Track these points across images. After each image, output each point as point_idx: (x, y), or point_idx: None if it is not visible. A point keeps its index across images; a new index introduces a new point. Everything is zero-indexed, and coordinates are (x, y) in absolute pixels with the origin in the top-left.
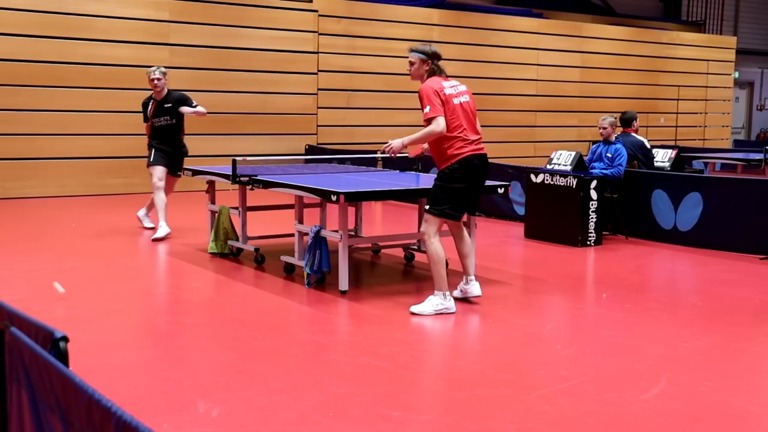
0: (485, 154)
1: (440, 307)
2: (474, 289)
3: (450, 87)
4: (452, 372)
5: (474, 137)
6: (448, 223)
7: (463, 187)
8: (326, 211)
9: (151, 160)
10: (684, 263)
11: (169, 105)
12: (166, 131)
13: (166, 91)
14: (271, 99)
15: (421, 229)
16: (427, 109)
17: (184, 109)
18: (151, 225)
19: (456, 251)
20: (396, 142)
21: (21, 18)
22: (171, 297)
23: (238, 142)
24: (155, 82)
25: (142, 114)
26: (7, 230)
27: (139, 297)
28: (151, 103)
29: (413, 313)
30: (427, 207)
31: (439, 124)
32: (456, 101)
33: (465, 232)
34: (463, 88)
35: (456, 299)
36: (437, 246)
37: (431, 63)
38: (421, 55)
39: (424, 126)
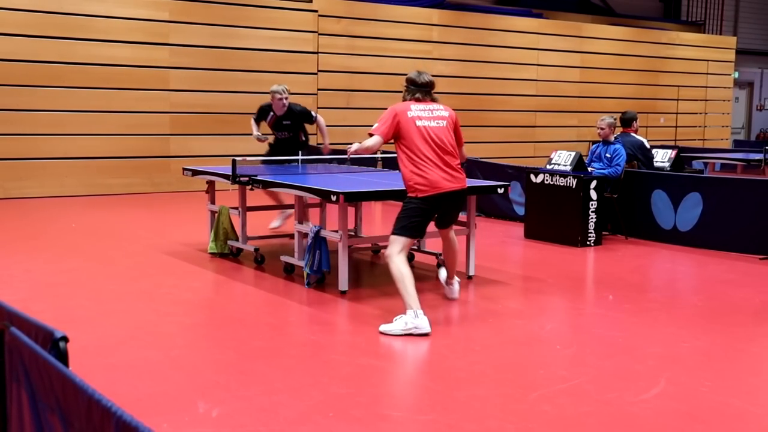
0: (453, 190)
1: (410, 326)
2: (450, 291)
3: (420, 110)
4: (452, 372)
5: (435, 169)
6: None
7: (423, 219)
8: (326, 211)
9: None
10: (684, 263)
11: (287, 123)
12: (283, 146)
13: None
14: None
15: (386, 250)
16: (374, 126)
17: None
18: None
19: (443, 255)
20: (353, 146)
21: (20, 18)
22: (171, 297)
23: (238, 142)
24: (283, 101)
25: (255, 114)
26: (7, 230)
27: (139, 297)
28: (270, 115)
29: (382, 333)
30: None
31: (371, 142)
32: (420, 123)
33: (450, 235)
34: (442, 113)
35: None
36: (399, 265)
37: (406, 87)
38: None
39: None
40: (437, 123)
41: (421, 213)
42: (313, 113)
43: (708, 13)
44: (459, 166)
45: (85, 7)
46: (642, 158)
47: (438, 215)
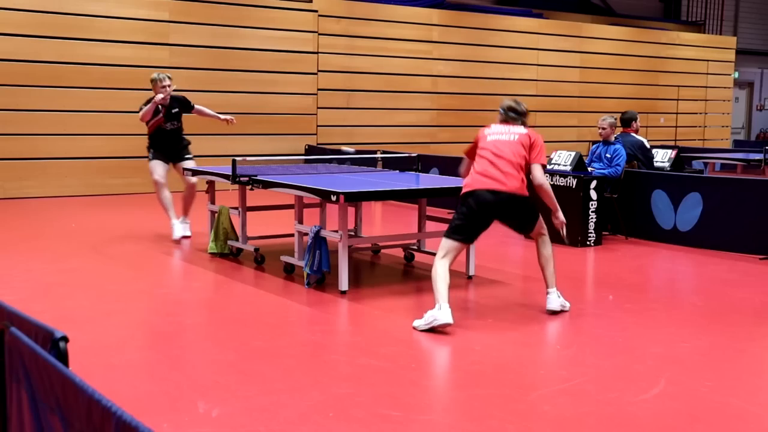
0: (493, 190)
1: (430, 319)
2: (548, 302)
3: (498, 129)
4: (452, 372)
5: (479, 172)
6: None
7: (464, 222)
8: (326, 211)
9: (151, 157)
10: (684, 263)
11: (176, 110)
12: (170, 137)
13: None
14: (270, 99)
15: None
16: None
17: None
18: (184, 234)
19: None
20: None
21: (20, 18)
22: (171, 297)
23: (238, 142)
24: (168, 89)
25: (148, 108)
26: (7, 230)
27: (139, 297)
28: (161, 110)
29: (414, 328)
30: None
31: (463, 164)
32: (490, 138)
33: (542, 243)
34: (513, 130)
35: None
36: (435, 267)
37: (499, 114)
38: None
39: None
40: (506, 137)
41: (462, 215)
42: (189, 101)
43: (708, 13)
44: (511, 173)
45: (85, 7)
46: (642, 158)
47: (502, 221)
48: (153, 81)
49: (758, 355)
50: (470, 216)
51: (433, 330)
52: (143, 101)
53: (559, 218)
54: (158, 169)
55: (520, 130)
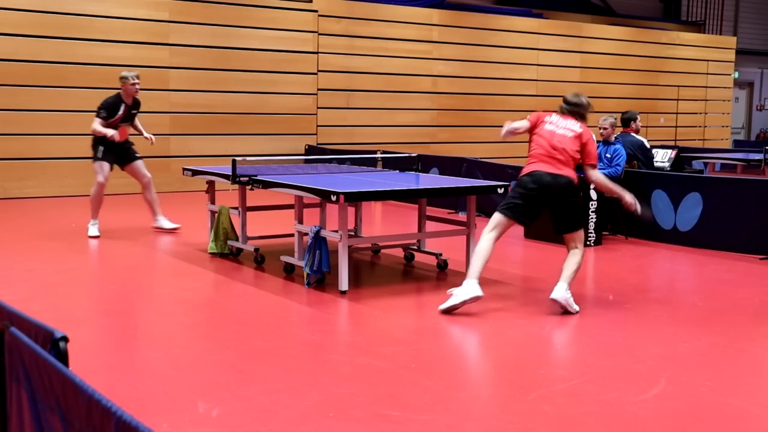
0: (552, 174)
1: (458, 298)
2: (555, 290)
3: (556, 120)
4: (452, 372)
5: (540, 158)
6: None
7: (519, 200)
8: (326, 211)
9: (100, 156)
10: (684, 263)
11: (135, 111)
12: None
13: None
14: (271, 99)
15: None
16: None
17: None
18: (172, 225)
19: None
20: (508, 125)
21: (20, 18)
22: (171, 297)
23: (238, 142)
24: (137, 86)
25: (103, 111)
26: (7, 230)
27: (139, 297)
28: (123, 107)
29: (442, 311)
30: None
31: (521, 123)
32: (548, 127)
33: (573, 254)
34: (569, 126)
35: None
36: (480, 239)
37: (562, 105)
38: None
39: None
40: (563, 131)
41: (518, 194)
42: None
43: (708, 13)
44: (567, 164)
45: (85, 7)
46: (642, 158)
47: (551, 210)
48: (122, 79)
49: (758, 355)
50: (526, 195)
51: (451, 312)
52: (143, 101)
53: (628, 200)
54: (106, 169)
55: (576, 127)
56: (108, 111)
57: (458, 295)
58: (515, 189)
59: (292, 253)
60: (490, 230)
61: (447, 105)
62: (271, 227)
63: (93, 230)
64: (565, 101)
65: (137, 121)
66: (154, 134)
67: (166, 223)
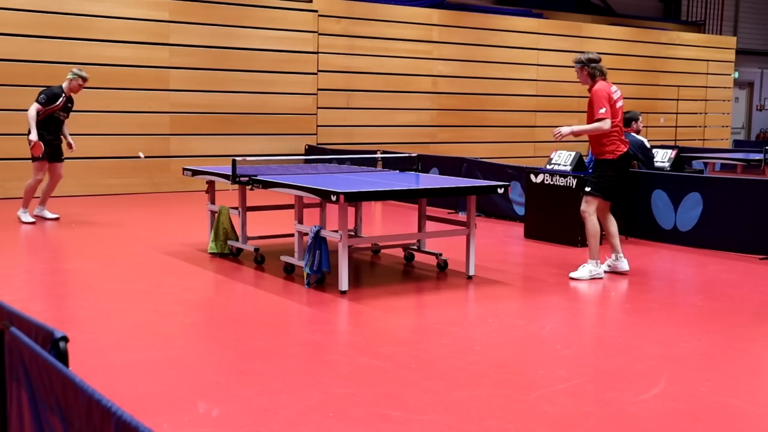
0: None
1: (594, 273)
2: (623, 264)
3: (614, 92)
4: (452, 372)
5: (620, 137)
6: (599, 208)
7: (616, 175)
8: (326, 211)
9: (48, 157)
10: (684, 263)
11: (71, 105)
12: (59, 125)
13: None
14: (270, 99)
15: (582, 208)
16: (602, 111)
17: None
18: (53, 215)
19: (605, 233)
20: (565, 129)
21: (20, 18)
22: (171, 297)
23: (238, 142)
24: (82, 87)
25: (44, 96)
26: (8, 230)
27: (139, 297)
28: (62, 99)
29: (572, 278)
30: (587, 189)
31: (606, 125)
32: (618, 105)
33: (611, 216)
34: (620, 93)
35: (606, 272)
36: (594, 222)
37: (588, 68)
38: (577, 64)
39: (587, 123)
40: (620, 103)
41: (614, 179)
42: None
43: (708, 13)
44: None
45: (85, 7)
46: (642, 158)
47: (622, 179)
48: (75, 75)
49: (758, 355)
50: (620, 178)
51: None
52: (144, 101)
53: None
54: (45, 167)
55: (619, 90)
56: (48, 98)
57: (592, 272)
58: (610, 174)
59: (292, 253)
60: (592, 213)
61: (447, 105)
62: (271, 227)
63: (27, 218)
64: (592, 60)
65: (65, 128)
66: (154, 134)
67: (48, 214)
